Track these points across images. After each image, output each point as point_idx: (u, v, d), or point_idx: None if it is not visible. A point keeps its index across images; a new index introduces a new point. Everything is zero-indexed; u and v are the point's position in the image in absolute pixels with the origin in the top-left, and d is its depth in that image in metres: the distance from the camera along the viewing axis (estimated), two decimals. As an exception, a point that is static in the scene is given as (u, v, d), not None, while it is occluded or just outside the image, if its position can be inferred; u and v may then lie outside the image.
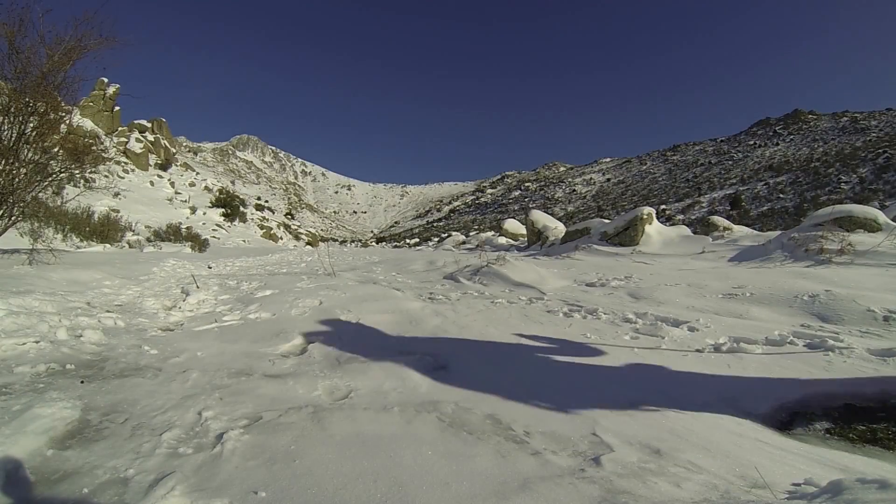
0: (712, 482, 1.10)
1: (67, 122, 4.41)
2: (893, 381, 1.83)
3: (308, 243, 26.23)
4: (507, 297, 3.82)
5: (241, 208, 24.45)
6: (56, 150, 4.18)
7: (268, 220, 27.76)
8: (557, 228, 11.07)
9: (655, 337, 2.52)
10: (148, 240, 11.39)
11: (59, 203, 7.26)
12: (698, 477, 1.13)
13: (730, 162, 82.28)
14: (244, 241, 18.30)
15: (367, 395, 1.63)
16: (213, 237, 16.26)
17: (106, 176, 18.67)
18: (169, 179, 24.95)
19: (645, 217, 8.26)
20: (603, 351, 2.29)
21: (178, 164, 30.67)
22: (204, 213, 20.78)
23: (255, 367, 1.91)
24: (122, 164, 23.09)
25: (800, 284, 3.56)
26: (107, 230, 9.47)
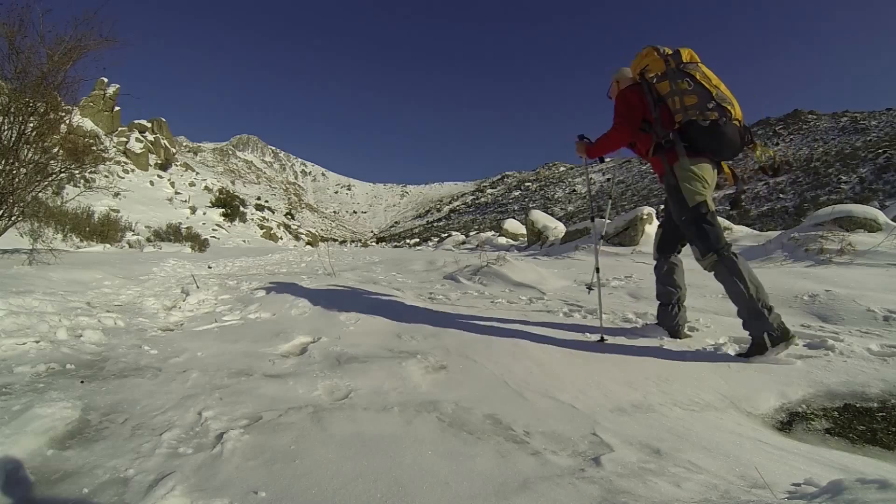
0: (712, 482, 1.10)
1: (67, 122, 4.41)
2: (894, 380, 1.83)
3: (308, 243, 26.23)
4: (508, 297, 3.82)
5: (241, 208, 24.45)
6: (56, 150, 4.18)
7: (268, 220, 27.76)
8: (557, 228, 11.07)
9: (655, 337, 2.52)
10: (148, 240, 11.39)
11: (59, 203, 7.26)
12: (698, 477, 1.13)
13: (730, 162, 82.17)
14: (244, 241, 18.29)
15: (367, 395, 1.63)
16: (213, 237, 16.27)
17: (106, 176, 18.68)
18: (169, 179, 24.95)
19: (645, 217, 8.25)
20: (603, 351, 2.29)
21: (178, 164, 30.67)
22: (204, 213, 20.78)
23: (255, 367, 1.91)
24: (122, 164, 23.09)
25: (800, 284, 3.56)
26: (107, 230, 9.48)
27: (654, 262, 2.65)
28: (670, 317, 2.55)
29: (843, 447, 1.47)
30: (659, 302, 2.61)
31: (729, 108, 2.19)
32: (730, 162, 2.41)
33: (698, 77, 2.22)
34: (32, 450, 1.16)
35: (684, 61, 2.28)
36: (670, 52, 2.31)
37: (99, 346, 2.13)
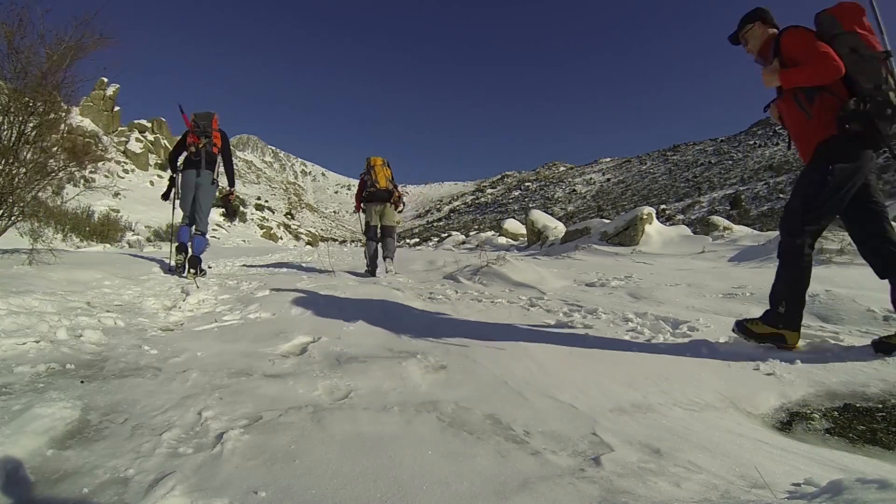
0: (712, 482, 1.10)
1: (67, 121, 4.41)
2: (894, 380, 1.83)
3: (308, 243, 26.20)
4: (507, 296, 3.82)
5: (241, 208, 24.43)
6: (56, 149, 4.17)
7: (268, 219, 27.75)
8: (557, 228, 11.08)
9: (655, 337, 2.52)
10: (148, 240, 11.39)
11: (59, 203, 7.24)
12: (698, 477, 1.13)
13: (730, 162, 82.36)
14: (244, 240, 18.29)
15: (366, 395, 1.63)
16: (213, 237, 16.25)
17: (106, 176, 18.68)
18: (169, 179, 24.90)
19: (645, 217, 8.26)
20: (603, 351, 2.29)
21: (178, 163, 30.56)
22: (204, 213, 20.72)
23: (255, 367, 1.91)
24: (122, 163, 23.09)
25: (800, 284, 3.55)
26: (107, 230, 9.48)
27: (369, 244, 5.25)
28: (375, 268, 5.22)
29: (843, 447, 1.47)
30: (371, 259, 5.26)
31: (377, 184, 5.16)
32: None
33: (373, 172, 5.23)
34: (32, 450, 1.16)
35: (371, 165, 5.26)
36: (373, 159, 5.34)
37: (99, 346, 2.13)
